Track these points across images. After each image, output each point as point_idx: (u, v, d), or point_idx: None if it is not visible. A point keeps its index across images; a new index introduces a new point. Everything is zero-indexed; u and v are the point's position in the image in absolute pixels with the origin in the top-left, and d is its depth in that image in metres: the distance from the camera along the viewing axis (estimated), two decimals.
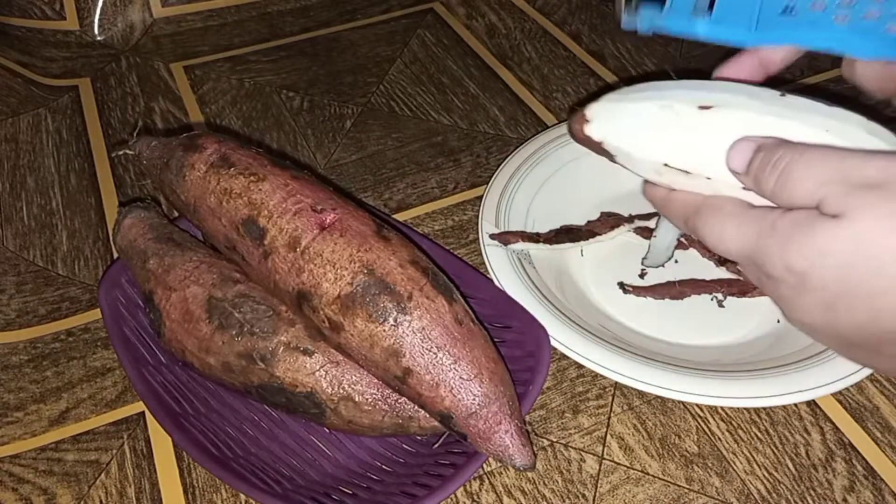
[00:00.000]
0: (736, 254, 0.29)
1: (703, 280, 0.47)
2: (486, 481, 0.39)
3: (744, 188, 0.30)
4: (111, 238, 0.50)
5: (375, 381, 0.36)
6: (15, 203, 0.55)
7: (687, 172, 0.31)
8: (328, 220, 0.35)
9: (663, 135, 0.32)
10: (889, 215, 0.25)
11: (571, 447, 0.40)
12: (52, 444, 0.41)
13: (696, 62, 0.69)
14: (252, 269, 0.37)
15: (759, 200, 0.29)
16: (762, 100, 0.30)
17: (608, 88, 0.65)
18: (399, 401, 0.36)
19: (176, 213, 0.47)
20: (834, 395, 0.42)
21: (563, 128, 0.55)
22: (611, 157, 0.34)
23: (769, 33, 0.33)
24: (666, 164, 0.32)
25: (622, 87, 0.34)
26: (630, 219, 0.51)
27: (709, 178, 0.31)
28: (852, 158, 0.26)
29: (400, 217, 0.53)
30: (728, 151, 0.29)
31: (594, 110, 0.34)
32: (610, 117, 0.33)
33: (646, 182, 0.34)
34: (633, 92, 0.33)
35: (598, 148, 0.34)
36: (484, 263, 0.45)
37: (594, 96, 0.34)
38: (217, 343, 0.37)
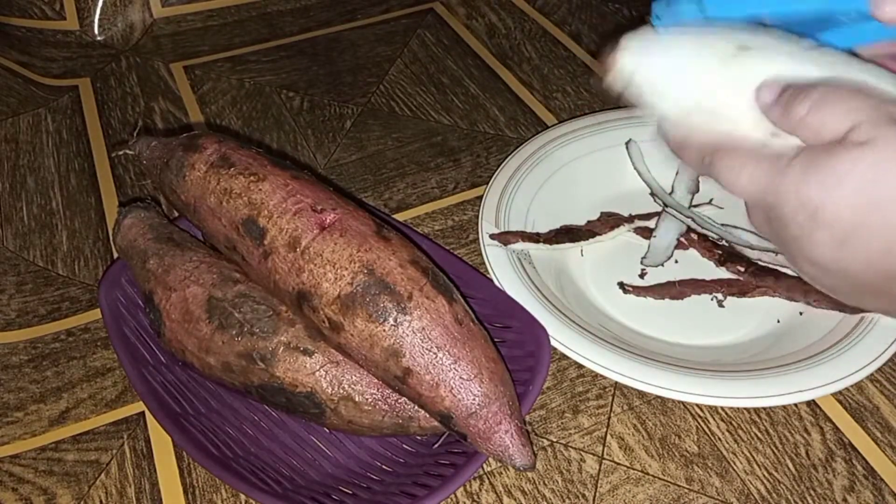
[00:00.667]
0: (750, 193, 0.29)
1: (703, 280, 0.47)
2: (486, 481, 0.39)
3: (772, 135, 0.29)
4: (111, 238, 0.50)
5: (375, 381, 0.36)
6: (15, 203, 0.55)
7: (716, 113, 0.30)
8: (328, 220, 0.35)
9: (695, 74, 0.31)
10: None
11: (571, 447, 0.40)
12: (52, 444, 0.41)
13: None
14: (252, 269, 0.37)
15: (781, 145, 0.29)
16: (802, 48, 0.30)
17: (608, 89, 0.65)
18: (399, 401, 0.36)
19: (176, 213, 0.47)
20: (834, 395, 0.42)
21: (564, 128, 0.55)
22: (638, 94, 0.33)
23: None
24: (696, 103, 0.31)
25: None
26: (630, 219, 0.51)
27: (737, 120, 0.30)
28: (882, 96, 0.26)
29: (400, 217, 0.53)
30: (757, 89, 0.29)
31: (630, 41, 0.33)
32: (645, 49, 0.32)
33: (663, 122, 0.33)
34: (676, 29, 0.32)
35: (627, 80, 0.33)
36: (484, 263, 0.45)
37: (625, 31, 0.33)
38: (217, 343, 0.37)
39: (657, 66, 0.32)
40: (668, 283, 0.47)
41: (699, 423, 0.41)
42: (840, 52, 0.30)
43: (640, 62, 0.32)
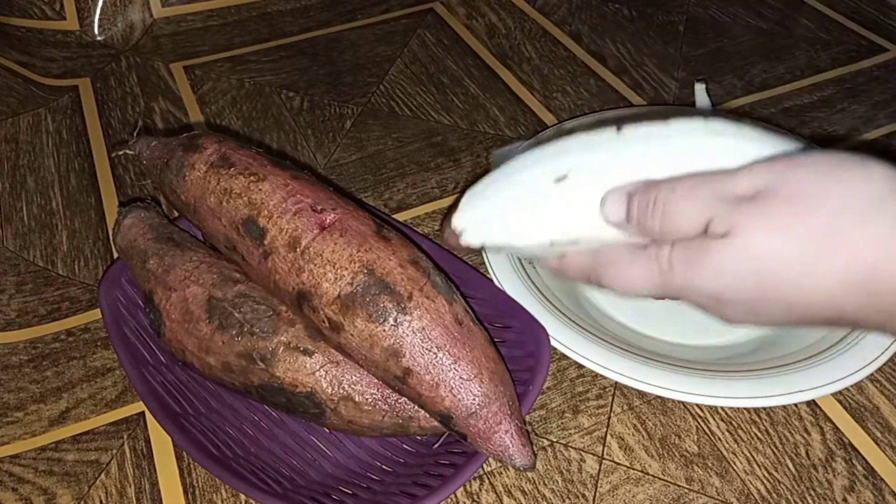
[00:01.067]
0: (650, 293, 0.30)
1: None
2: (486, 481, 0.39)
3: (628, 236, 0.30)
4: (111, 238, 0.50)
5: (375, 381, 0.36)
6: (15, 203, 0.55)
7: (574, 240, 0.32)
8: (328, 220, 0.35)
9: (535, 224, 0.32)
10: (767, 224, 0.26)
11: (571, 447, 0.40)
12: (52, 444, 0.41)
13: (696, 62, 0.69)
14: (252, 269, 0.37)
15: (652, 245, 0.30)
16: (611, 139, 0.31)
17: (608, 89, 0.65)
18: (399, 401, 0.36)
19: (176, 213, 0.47)
20: (834, 395, 0.42)
21: (563, 128, 0.55)
22: (498, 253, 0.35)
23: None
24: (551, 243, 0.32)
25: (470, 189, 0.35)
26: None
27: (596, 236, 0.31)
28: (721, 179, 0.28)
29: (400, 217, 0.53)
30: (602, 208, 0.30)
31: (460, 221, 0.34)
32: (478, 224, 0.34)
33: (537, 259, 0.35)
34: (486, 187, 0.34)
35: (483, 251, 0.35)
36: (484, 263, 0.45)
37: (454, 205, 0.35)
38: (217, 343, 0.37)
39: (496, 235, 0.34)
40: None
41: (699, 423, 0.41)
42: (640, 127, 0.31)
43: (482, 236, 0.34)
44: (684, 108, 0.61)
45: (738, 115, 0.31)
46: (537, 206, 0.32)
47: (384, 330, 0.33)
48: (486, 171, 0.57)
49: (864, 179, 0.25)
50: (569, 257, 0.33)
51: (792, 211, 0.26)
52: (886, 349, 0.40)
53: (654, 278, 0.30)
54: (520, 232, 0.33)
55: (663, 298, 0.31)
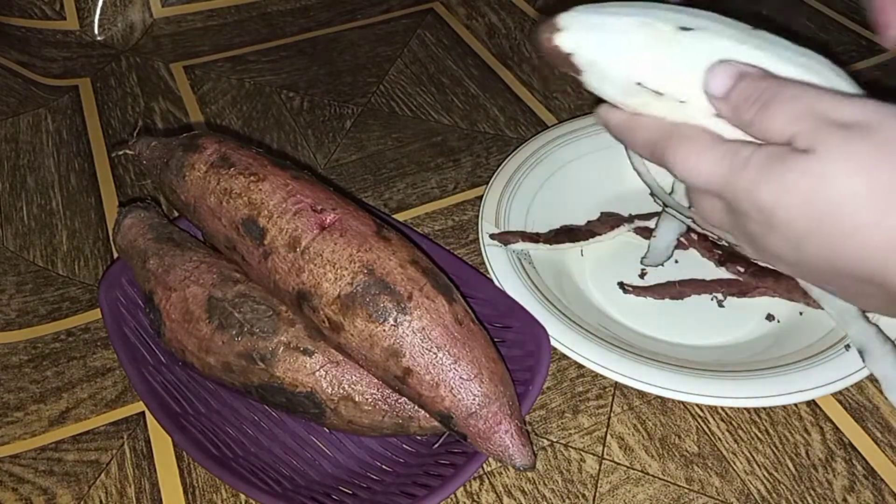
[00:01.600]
0: (705, 186, 0.29)
1: (703, 280, 0.47)
2: (486, 481, 0.39)
3: (716, 115, 0.29)
4: (111, 238, 0.50)
5: (375, 381, 0.36)
6: (15, 203, 0.55)
7: (660, 94, 0.30)
8: (328, 220, 0.35)
9: (639, 53, 0.30)
10: (853, 155, 0.25)
11: (571, 447, 0.40)
12: (52, 444, 0.41)
13: None
14: (252, 269, 0.37)
15: (729, 130, 0.29)
16: (741, 30, 0.30)
17: None
18: (399, 401, 0.36)
19: (176, 213, 0.47)
20: (834, 395, 0.42)
21: (564, 128, 0.55)
22: (577, 73, 0.32)
23: None
24: (639, 84, 0.30)
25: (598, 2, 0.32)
26: (630, 219, 0.51)
27: (682, 102, 0.29)
28: (829, 98, 0.26)
29: (400, 217, 0.53)
30: (706, 74, 0.29)
31: (567, 19, 0.31)
32: (584, 28, 0.31)
33: (604, 106, 0.33)
34: (612, 6, 0.31)
35: (565, 61, 0.32)
36: (484, 263, 0.45)
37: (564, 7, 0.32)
38: (217, 343, 0.37)
39: (597, 48, 0.31)
40: (669, 283, 0.47)
41: (699, 423, 0.41)
42: (776, 36, 0.30)
43: (579, 42, 0.31)
44: None
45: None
46: (648, 41, 0.30)
47: (384, 330, 0.33)
48: (486, 170, 0.57)
49: None
50: (643, 118, 0.31)
51: (883, 155, 0.24)
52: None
53: (722, 171, 0.28)
54: (617, 58, 0.30)
55: (706, 198, 0.28)
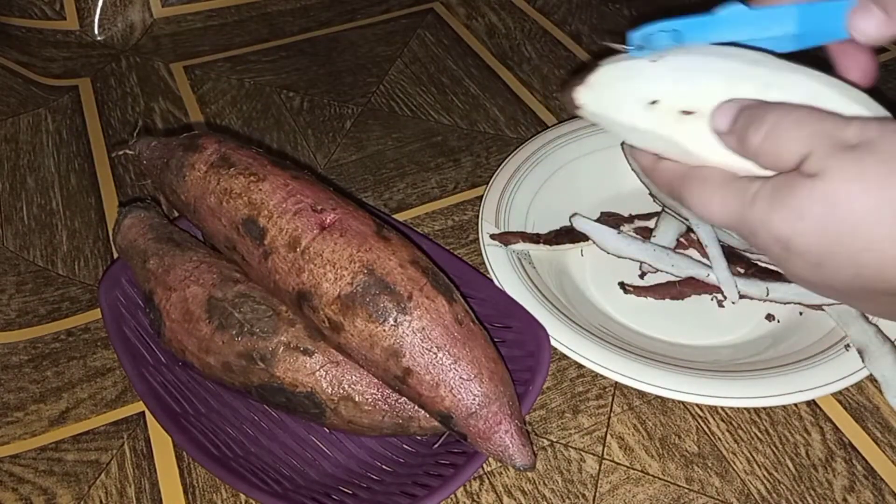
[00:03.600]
0: (722, 223, 0.30)
1: (704, 280, 0.47)
2: (487, 481, 0.39)
3: (729, 153, 0.30)
4: (111, 238, 0.50)
5: (375, 381, 0.36)
6: (15, 203, 0.55)
7: (676, 145, 0.31)
8: (328, 220, 0.35)
9: (650, 106, 0.32)
10: (860, 176, 0.25)
11: (571, 447, 0.40)
12: (53, 443, 0.41)
13: None
14: (252, 269, 0.37)
15: (744, 170, 0.29)
16: (750, 63, 0.30)
17: None
18: (399, 401, 0.36)
19: (176, 213, 0.47)
20: (834, 395, 0.42)
21: (564, 128, 0.55)
22: (603, 124, 0.34)
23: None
24: (655, 133, 0.31)
25: (611, 61, 0.34)
26: (630, 219, 0.51)
27: (696, 149, 0.30)
28: (833, 120, 0.27)
29: (400, 217, 0.53)
30: (712, 115, 0.30)
31: (589, 76, 0.34)
32: (603, 83, 0.33)
33: (632, 148, 0.34)
34: (619, 77, 0.33)
35: (591, 114, 0.34)
36: (484, 263, 0.45)
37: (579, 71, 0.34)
38: (217, 343, 0.37)
39: (615, 99, 0.33)
40: (669, 282, 0.47)
41: (699, 423, 0.41)
42: (789, 64, 0.30)
43: (599, 96, 0.33)
44: None
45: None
46: (661, 101, 0.31)
47: (384, 330, 0.33)
48: (486, 170, 0.57)
49: None
50: (663, 162, 0.32)
51: (890, 171, 0.25)
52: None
53: (733, 208, 0.29)
54: (634, 110, 0.32)
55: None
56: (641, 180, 0.51)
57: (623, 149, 0.47)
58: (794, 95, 0.29)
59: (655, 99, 0.31)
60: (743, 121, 0.28)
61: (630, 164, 0.51)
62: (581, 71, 0.34)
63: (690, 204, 0.31)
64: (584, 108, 0.34)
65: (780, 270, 0.46)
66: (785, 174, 0.27)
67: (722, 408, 0.41)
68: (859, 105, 0.29)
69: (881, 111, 0.29)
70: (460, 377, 0.33)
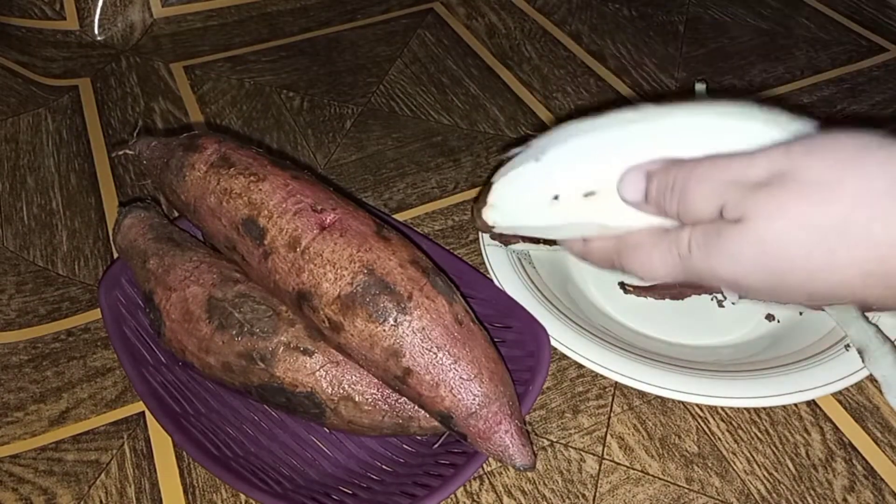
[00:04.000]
0: (671, 277, 0.30)
1: None
2: (487, 481, 0.39)
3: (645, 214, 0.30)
4: (111, 238, 0.50)
5: (375, 381, 0.36)
6: (15, 203, 0.55)
7: (601, 226, 0.32)
8: (328, 220, 0.35)
9: (559, 205, 0.33)
10: (780, 211, 0.25)
11: (571, 447, 0.40)
12: (53, 443, 0.41)
13: (696, 62, 0.68)
14: (252, 269, 0.37)
15: (668, 222, 0.30)
16: (620, 127, 0.31)
17: (608, 89, 0.65)
18: (399, 401, 0.36)
19: (176, 213, 0.47)
20: (834, 395, 0.42)
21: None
22: (522, 233, 0.35)
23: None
24: (555, 197, 0.32)
25: (501, 175, 0.35)
26: None
27: (617, 223, 0.31)
28: (738, 162, 0.27)
29: (400, 217, 0.53)
30: (619, 186, 0.30)
31: (489, 215, 0.35)
32: (505, 212, 0.34)
33: (563, 241, 0.35)
34: (513, 176, 0.34)
35: (505, 229, 0.35)
36: (484, 263, 0.45)
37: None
38: (217, 343, 0.37)
39: (519, 208, 0.34)
40: (669, 283, 0.47)
41: (699, 423, 0.41)
42: (666, 107, 0.30)
43: (504, 212, 0.34)
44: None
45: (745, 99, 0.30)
46: (561, 194, 0.32)
47: (384, 330, 0.33)
48: (486, 170, 0.57)
49: (884, 164, 0.24)
50: (592, 242, 0.33)
51: (807, 199, 0.25)
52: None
53: (674, 262, 0.29)
54: (545, 221, 0.33)
55: (687, 282, 0.30)
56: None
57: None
58: (691, 139, 0.29)
59: (556, 194, 0.32)
60: (655, 189, 0.29)
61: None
62: (479, 195, 0.35)
63: (634, 271, 0.31)
64: (497, 225, 0.35)
65: None
66: (710, 223, 0.28)
67: (722, 408, 0.41)
68: (761, 122, 0.29)
69: (782, 119, 0.28)
70: (460, 377, 0.33)
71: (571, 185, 0.32)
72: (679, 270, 0.29)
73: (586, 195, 0.31)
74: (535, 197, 0.33)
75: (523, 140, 0.34)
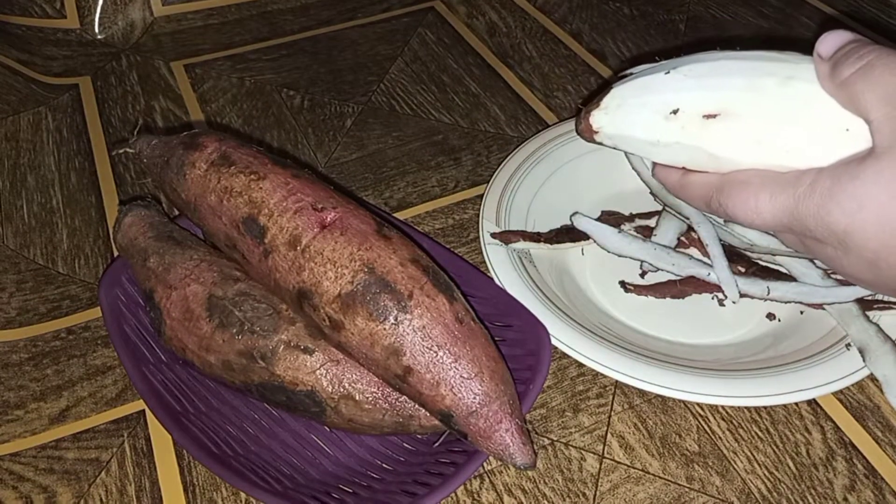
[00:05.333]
0: (773, 224, 0.28)
1: (704, 279, 0.47)
2: (487, 480, 0.39)
3: (762, 153, 0.29)
4: (111, 236, 0.50)
5: (376, 379, 0.36)
6: (15, 201, 0.55)
7: (708, 117, 0.30)
8: (329, 219, 0.35)
9: (677, 124, 0.31)
10: None
11: (572, 446, 0.40)
12: (53, 442, 0.41)
13: None
14: (252, 267, 0.37)
15: (781, 167, 0.28)
16: (766, 90, 0.29)
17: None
18: (399, 399, 0.36)
19: (176, 212, 0.47)
20: (835, 394, 0.42)
21: (564, 126, 0.55)
22: (625, 148, 0.34)
23: None
24: (675, 111, 0.30)
25: (623, 82, 0.33)
26: (631, 217, 0.51)
27: (734, 158, 0.29)
28: None
29: (400, 216, 0.53)
30: (819, 41, 0.28)
31: (605, 100, 0.33)
32: (619, 106, 0.32)
33: (656, 165, 0.33)
34: (634, 94, 0.32)
35: (610, 138, 0.34)
36: (485, 262, 0.45)
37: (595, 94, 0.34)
38: (217, 341, 0.37)
39: (632, 117, 0.32)
40: (669, 281, 0.47)
41: (700, 422, 0.41)
42: (804, 55, 0.30)
43: (615, 117, 0.33)
44: None
45: None
46: (682, 108, 0.30)
47: (385, 328, 0.33)
48: (486, 169, 0.57)
49: None
50: (693, 175, 0.31)
51: None
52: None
53: (786, 207, 0.27)
54: (655, 135, 0.31)
55: (783, 235, 0.28)
56: (643, 179, 0.51)
57: (626, 154, 0.46)
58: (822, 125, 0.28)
59: (676, 108, 0.30)
60: (846, 49, 0.27)
61: (631, 165, 0.51)
62: (589, 97, 0.34)
63: (734, 210, 0.29)
64: (602, 131, 0.33)
65: (782, 266, 0.46)
66: (845, 163, 0.26)
67: (722, 407, 0.41)
68: None
69: None
70: (461, 376, 0.33)
71: (695, 102, 0.30)
72: (786, 215, 0.27)
73: (706, 116, 0.29)
74: (654, 107, 0.31)
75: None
